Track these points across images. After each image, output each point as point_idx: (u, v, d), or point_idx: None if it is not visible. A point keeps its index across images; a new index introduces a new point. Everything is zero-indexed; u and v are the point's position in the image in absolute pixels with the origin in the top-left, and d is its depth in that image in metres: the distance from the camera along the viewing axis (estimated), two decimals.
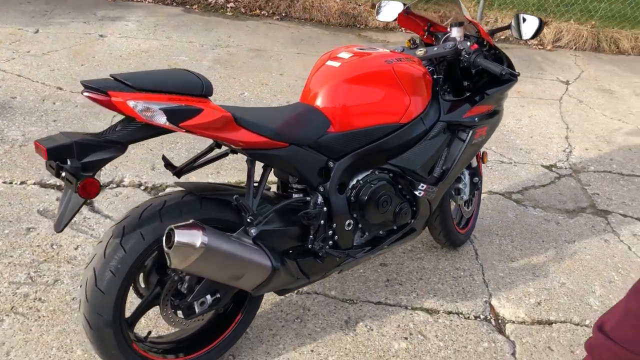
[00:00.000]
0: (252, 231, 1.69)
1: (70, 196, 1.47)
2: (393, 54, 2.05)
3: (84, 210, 2.66)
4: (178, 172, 1.83)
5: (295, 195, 1.91)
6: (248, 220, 1.69)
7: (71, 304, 2.12)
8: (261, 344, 2.07)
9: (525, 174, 3.65)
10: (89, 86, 1.43)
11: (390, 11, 2.55)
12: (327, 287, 2.40)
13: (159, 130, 1.53)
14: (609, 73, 6.04)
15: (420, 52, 2.22)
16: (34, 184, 2.82)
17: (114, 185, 2.90)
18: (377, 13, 2.61)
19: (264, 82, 4.48)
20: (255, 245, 1.71)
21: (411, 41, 2.35)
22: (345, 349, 2.10)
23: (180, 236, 1.49)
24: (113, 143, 1.48)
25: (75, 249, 2.41)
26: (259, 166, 1.80)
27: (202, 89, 1.53)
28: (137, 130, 1.50)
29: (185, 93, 1.50)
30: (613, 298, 2.57)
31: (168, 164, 1.82)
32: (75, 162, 1.42)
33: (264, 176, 1.79)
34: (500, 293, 2.51)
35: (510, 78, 2.14)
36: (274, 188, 2.19)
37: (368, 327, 2.21)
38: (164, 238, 1.52)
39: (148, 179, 2.98)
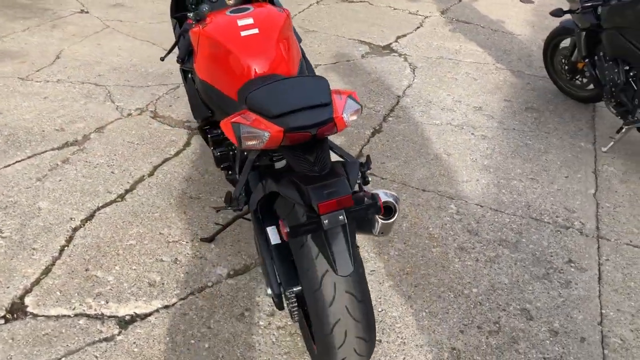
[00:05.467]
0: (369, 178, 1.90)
1: (347, 233, 1.50)
2: (270, 5, 2.30)
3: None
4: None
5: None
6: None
7: None
8: None
9: None
10: (314, 124, 1.51)
11: None
12: None
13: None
14: None
15: (231, 1, 2.41)
16: None
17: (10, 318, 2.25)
18: None
19: None
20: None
21: None
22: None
23: (394, 200, 1.61)
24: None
25: None
26: None
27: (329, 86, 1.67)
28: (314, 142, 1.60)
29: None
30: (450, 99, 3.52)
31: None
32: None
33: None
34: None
35: None
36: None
37: None
38: (382, 213, 1.60)
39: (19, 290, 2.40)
